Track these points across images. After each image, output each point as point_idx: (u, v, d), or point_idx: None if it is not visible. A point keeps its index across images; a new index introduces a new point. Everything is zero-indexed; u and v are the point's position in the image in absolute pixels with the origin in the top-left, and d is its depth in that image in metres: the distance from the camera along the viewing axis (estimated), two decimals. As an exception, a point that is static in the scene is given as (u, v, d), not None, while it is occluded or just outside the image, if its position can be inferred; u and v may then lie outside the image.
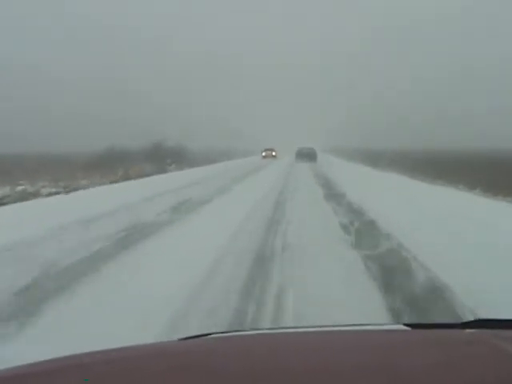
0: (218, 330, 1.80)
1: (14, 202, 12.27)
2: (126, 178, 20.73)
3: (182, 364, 1.03)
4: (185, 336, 1.39)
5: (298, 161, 38.34)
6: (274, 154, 49.95)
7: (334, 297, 4.34)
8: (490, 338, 1.16)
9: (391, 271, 5.22)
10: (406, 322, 1.46)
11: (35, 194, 14.24)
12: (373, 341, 1.24)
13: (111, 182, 18.80)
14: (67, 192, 14.73)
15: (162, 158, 35.71)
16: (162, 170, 27.52)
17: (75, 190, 15.58)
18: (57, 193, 14.65)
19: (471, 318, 1.61)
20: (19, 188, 15.73)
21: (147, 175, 23.22)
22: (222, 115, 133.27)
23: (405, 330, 1.39)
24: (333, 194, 13.07)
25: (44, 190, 15.27)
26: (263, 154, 50.07)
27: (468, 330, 1.28)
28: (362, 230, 7.70)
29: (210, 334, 1.39)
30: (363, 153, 50.48)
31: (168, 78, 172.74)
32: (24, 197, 13.42)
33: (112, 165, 30.53)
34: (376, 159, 35.26)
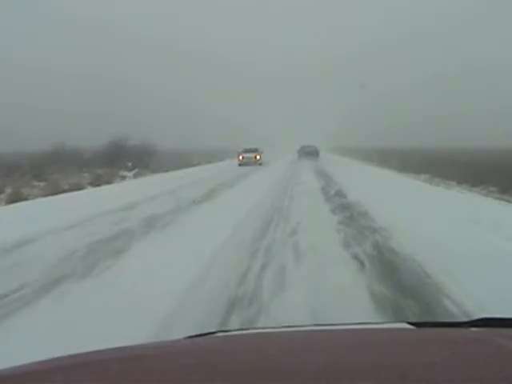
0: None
1: None
2: (19, 198, 12.51)
3: (188, 362, 1.01)
4: (190, 334, 1.42)
5: (301, 158, 37.85)
6: (257, 157, 31.68)
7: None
8: (495, 336, 1.15)
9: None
10: (411, 321, 1.45)
11: None
12: (377, 339, 1.21)
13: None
14: None
15: (122, 160, 27.68)
16: (109, 178, 19.21)
17: None
18: None
19: None
20: None
21: (74, 188, 15.02)
22: (223, 115, 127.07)
23: (409, 329, 1.39)
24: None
25: None
26: (240, 157, 31.66)
27: (473, 329, 1.27)
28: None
29: (216, 333, 1.43)
30: (369, 152, 45.13)
31: (167, 78, 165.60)
32: None
33: (46, 169, 22.69)
34: (411, 164, 24.76)
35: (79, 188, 15.57)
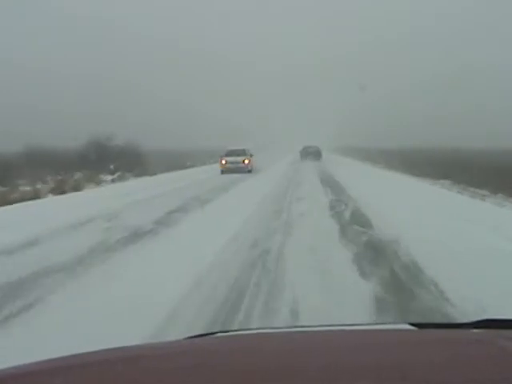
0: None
1: None
2: None
3: (187, 363, 0.98)
4: (191, 335, 1.40)
5: (303, 159, 37.68)
6: (246, 161, 23.68)
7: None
8: (497, 338, 1.12)
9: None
10: (413, 322, 1.40)
11: None
12: (379, 340, 1.19)
13: None
14: None
15: (105, 162, 25.17)
16: (79, 184, 16.59)
17: None
18: None
19: None
20: None
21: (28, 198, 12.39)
22: (223, 115, 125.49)
23: (411, 330, 1.36)
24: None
25: None
26: (223, 161, 23.78)
27: (475, 330, 1.25)
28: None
29: (216, 333, 1.38)
30: (372, 152, 42.37)
31: (167, 78, 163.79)
32: None
33: (18, 173, 20.15)
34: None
35: (36, 197, 12.94)
